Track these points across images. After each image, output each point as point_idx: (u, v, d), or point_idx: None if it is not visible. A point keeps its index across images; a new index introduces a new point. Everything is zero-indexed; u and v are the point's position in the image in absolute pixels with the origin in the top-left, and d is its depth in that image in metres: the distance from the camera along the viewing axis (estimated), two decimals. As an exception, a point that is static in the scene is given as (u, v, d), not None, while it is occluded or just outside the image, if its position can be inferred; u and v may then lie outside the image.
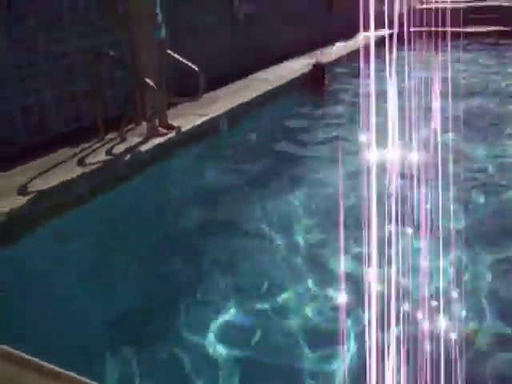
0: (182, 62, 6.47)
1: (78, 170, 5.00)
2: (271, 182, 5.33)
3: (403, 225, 3.64)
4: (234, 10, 9.60)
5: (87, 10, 6.49)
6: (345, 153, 5.74)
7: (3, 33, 5.50)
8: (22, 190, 4.60)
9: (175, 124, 6.15)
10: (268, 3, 10.88)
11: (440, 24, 8.44)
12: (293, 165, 5.79)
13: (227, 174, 5.62)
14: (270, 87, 8.04)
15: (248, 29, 10.21)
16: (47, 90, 6.08)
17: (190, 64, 6.49)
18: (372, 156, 4.37)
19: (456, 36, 10.83)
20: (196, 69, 6.34)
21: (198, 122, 6.36)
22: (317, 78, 8.41)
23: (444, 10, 9.49)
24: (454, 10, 12.13)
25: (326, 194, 4.87)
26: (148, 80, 5.53)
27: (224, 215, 4.72)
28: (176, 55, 6.53)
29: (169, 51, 6.44)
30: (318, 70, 8.41)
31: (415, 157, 5.04)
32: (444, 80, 5.71)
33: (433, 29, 9.22)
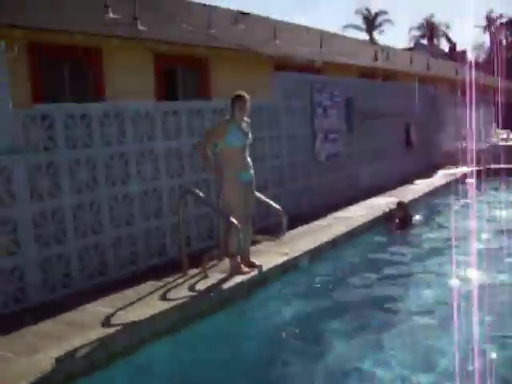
0: (265, 201, 6.68)
1: (160, 305, 5.07)
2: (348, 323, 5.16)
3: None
4: (316, 151, 9.98)
5: (181, 158, 6.96)
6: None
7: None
8: (106, 322, 4.72)
9: (257, 262, 6.20)
10: (349, 143, 11.27)
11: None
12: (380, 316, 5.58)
13: (305, 314, 5.51)
14: (351, 226, 8.05)
15: (329, 167, 10.53)
16: (139, 222, 6.39)
17: (273, 203, 6.69)
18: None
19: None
20: (280, 209, 6.50)
21: (280, 260, 6.39)
22: (400, 217, 8.44)
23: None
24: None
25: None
26: (232, 218, 5.70)
27: (303, 356, 4.57)
28: (259, 195, 6.77)
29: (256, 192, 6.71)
30: (401, 210, 8.46)
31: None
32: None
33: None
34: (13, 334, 4.59)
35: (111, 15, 11.57)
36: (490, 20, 55.28)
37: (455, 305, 5.11)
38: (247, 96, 5.98)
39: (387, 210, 8.69)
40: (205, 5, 17.54)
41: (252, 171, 6.14)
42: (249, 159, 6.08)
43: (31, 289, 5.33)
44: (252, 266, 6.11)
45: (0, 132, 5.16)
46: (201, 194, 5.96)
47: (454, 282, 6.07)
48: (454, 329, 4.67)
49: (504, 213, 9.53)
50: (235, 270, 5.93)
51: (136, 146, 6.43)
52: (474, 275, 6.19)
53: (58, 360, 4.02)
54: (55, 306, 5.20)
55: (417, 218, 8.92)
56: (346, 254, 7.48)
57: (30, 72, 9.23)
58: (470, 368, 3.98)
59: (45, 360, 4.02)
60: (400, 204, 8.56)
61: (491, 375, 3.77)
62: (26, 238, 5.30)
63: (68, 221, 5.68)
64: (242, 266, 6.05)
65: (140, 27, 11.44)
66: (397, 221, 8.52)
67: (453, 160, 15.67)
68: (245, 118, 6.08)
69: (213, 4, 15.09)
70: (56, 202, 5.59)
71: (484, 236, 7.89)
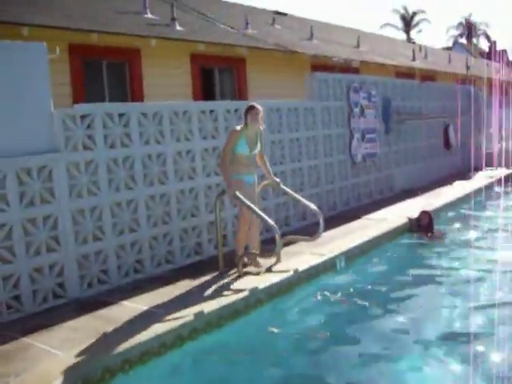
0: (301, 201, 6.67)
1: (195, 305, 5.10)
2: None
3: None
4: (353, 151, 9.90)
5: (218, 156, 7.00)
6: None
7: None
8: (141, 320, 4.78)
9: (293, 264, 6.19)
10: (387, 144, 11.15)
11: None
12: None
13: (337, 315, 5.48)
14: (384, 229, 7.95)
15: (366, 168, 10.44)
16: (175, 222, 6.45)
17: (310, 204, 6.66)
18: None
19: None
20: (316, 209, 6.47)
21: (315, 262, 6.35)
22: (425, 225, 8.26)
23: None
24: None
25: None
26: (267, 217, 5.71)
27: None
28: (296, 195, 6.75)
29: (290, 191, 6.70)
30: (425, 218, 8.31)
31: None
32: None
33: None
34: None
35: (150, 16, 11.70)
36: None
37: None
38: (259, 107, 6.11)
39: (412, 218, 8.52)
40: (242, 5, 17.60)
41: (255, 175, 6.31)
42: (253, 166, 6.26)
43: (69, 284, 5.42)
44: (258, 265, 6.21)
45: (41, 131, 5.27)
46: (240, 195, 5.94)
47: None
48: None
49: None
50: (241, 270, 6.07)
51: (173, 146, 6.48)
52: None
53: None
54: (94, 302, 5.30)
55: (442, 227, 8.66)
56: (376, 256, 7.38)
57: (70, 72, 9.40)
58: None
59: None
60: (425, 212, 8.42)
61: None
62: (66, 235, 5.39)
63: (106, 219, 5.77)
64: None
65: (178, 28, 11.54)
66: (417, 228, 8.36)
67: (492, 161, 15.34)
68: (260, 127, 6.21)
69: (250, 5, 15.11)
70: (94, 200, 5.68)
71: None
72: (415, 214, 8.52)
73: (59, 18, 9.55)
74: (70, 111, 5.56)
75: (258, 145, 6.25)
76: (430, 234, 8.17)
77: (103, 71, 10.09)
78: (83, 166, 5.58)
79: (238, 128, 6.13)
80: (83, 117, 5.62)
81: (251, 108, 6.10)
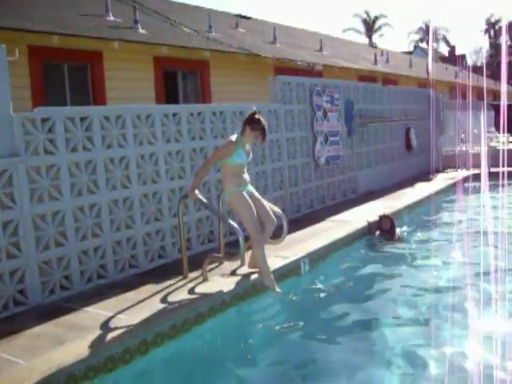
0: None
1: (159, 310, 5.08)
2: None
3: None
4: (316, 154, 9.98)
5: (182, 160, 6.98)
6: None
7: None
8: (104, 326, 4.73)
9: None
10: (349, 146, 11.28)
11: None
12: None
13: (301, 318, 5.52)
14: (347, 231, 8.04)
15: (329, 170, 10.55)
16: (139, 226, 6.40)
17: (273, 207, 6.69)
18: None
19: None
20: (280, 212, 6.50)
21: (279, 265, 6.38)
22: (387, 229, 8.33)
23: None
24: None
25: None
26: (231, 221, 5.71)
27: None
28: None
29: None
30: (387, 223, 8.38)
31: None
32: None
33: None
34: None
35: (112, 18, 11.60)
36: (490, 24, 55.37)
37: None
38: (265, 124, 5.83)
39: (372, 220, 8.58)
40: (205, 8, 17.59)
41: (250, 186, 6.07)
42: (247, 174, 6.04)
43: (31, 291, 5.33)
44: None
45: (0, 135, 5.17)
46: (202, 198, 5.93)
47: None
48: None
49: (503, 215, 9.52)
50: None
51: (136, 149, 6.43)
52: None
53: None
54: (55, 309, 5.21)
55: (404, 229, 8.78)
56: (339, 258, 7.45)
57: (30, 75, 9.25)
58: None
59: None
60: (387, 216, 8.49)
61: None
62: (27, 241, 5.30)
63: (68, 224, 5.69)
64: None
65: (141, 30, 11.47)
66: (378, 232, 8.43)
67: (453, 163, 15.69)
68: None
69: (213, 8, 15.13)
70: (56, 205, 5.60)
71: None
72: (375, 217, 8.60)
73: (18, 19, 9.38)
74: (30, 115, 5.47)
75: (251, 153, 6.07)
76: (391, 237, 8.27)
77: (64, 74, 9.96)
78: (44, 170, 5.50)
79: (234, 139, 5.84)
80: (44, 120, 5.53)
81: (257, 123, 5.73)
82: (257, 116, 5.79)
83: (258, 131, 5.76)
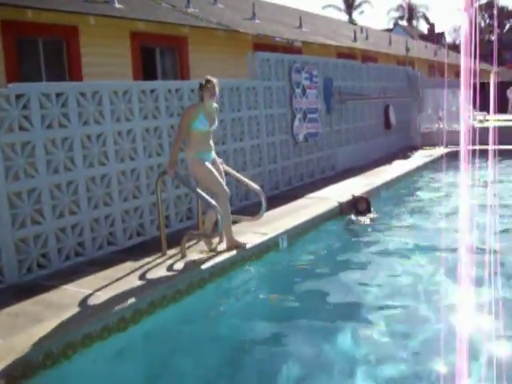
0: (244, 181, 6.70)
1: (138, 287, 5.08)
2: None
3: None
4: (294, 131, 9.98)
5: (160, 136, 6.93)
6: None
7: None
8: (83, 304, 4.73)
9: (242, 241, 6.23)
10: (328, 124, 11.30)
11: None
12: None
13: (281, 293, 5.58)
14: (326, 208, 8.09)
15: (308, 147, 10.56)
16: (117, 203, 6.37)
17: (252, 184, 6.70)
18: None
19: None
20: (259, 189, 6.51)
21: (257, 241, 6.41)
22: (363, 210, 8.31)
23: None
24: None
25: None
26: (208, 198, 5.71)
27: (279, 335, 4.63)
28: (238, 175, 6.78)
29: (232, 171, 6.71)
30: (363, 203, 8.36)
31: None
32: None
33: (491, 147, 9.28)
34: None
35: (87, -7, 11.36)
36: (469, 2, 55.32)
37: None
38: (216, 80, 5.95)
39: (344, 200, 8.54)
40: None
41: (213, 153, 6.13)
42: (211, 142, 6.07)
43: (7, 269, 5.29)
44: (237, 246, 6.12)
45: (-26, 111, 5.07)
46: (179, 174, 5.91)
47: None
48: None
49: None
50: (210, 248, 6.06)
51: (113, 126, 6.37)
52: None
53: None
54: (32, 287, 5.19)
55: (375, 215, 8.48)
56: (317, 235, 7.50)
57: (4, 50, 9.06)
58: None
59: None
60: (362, 198, 8.47)
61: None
62: (2, 219, 5.24)
63: (45, 201, 5.63)
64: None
65: (117, 5, 11.27)
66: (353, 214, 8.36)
67: (431, 141, 15.81)
68: (214, 104, 6.07)
69: (191, -18, 14.88)
70: (32, 182, 5.53)
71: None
72: (349, 196, 8.57)
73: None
74: (4, 91, 5.36)
75: (216, 121, 6.10)
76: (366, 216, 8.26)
77: (39, 49, 9.76)
78: (19, 147, 5.41)
79: (194, 103, 5.99)
80: (18, 96, 5.43)
81: (207, 82, 5.89)
82: (207, 77, 5.95)
83: (210, 84, 5.88)
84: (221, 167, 6.23)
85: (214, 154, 6.15)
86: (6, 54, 9.07)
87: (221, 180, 5.96)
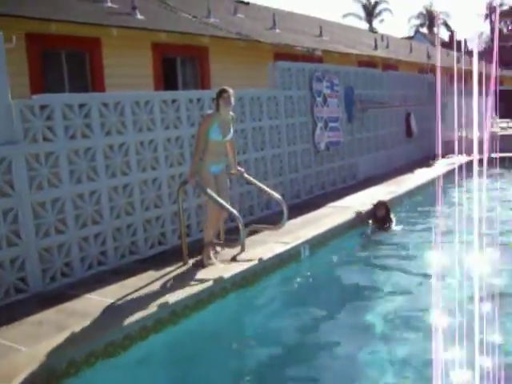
0: (266, 190, 6.69)
1: (160, 296, 5.10)
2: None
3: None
4: (316, 140, 9.97)
5: (181, 146, 6.97)
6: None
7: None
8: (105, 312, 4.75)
9: (258, 253, 6.21)
10: (349, 132, 11.26)
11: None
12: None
13: (302, 305, 5.54)
14: (348, 217, 8.04)
15: (329, 156, 10.53)
16: (139, 213, 6.41)
17: (273, 193, 6.70)
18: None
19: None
20: (280, 198, 6.50)
21: (279, 250, 6.39)
22: (381, 217, 8.14)
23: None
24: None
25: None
26: (230, 207, 5.72)
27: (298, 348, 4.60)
28: (259, 183, 6.77)
29: (254, 180, 6.71)
30: (382, 209, 8.17)
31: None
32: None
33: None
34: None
35: (110, 4, 11.52)
36: (491, 8, 55.00)
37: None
38: (231, 91, 6.00)
39: (360, 211, 8.26)
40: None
41: (224, 164, 6.19)
42: (224, 153, 6.17)
43: (31, 278, 5.34)
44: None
45: (-1, 122, 5.15)
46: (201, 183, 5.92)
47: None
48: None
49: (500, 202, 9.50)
50: (207, 260, 6.01)
51: (135, 136, 6.42)
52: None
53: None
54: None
55: (398, 227, 8.25)
56: (339, 244, 7.42)
57: (28, 62, 9.20)
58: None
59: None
60: (382, 203, 8.31)
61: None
62: (27, 228, 5.30)
63: (68, 211, 5.69)
64: (212, 256, 6.14)
65: (139, 16, 11.40)
66: (370, 221, 8.18)
67: (453, 149, 15.64)
68: (230, 113, 6.13)
69: (212, -7, 14.99)
70: (56, 192, 5.60)
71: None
72: (369, 206, 8.40)
73: (14, 5, 9.31)
74: (29, 102, 5.44)
75: (231, 131, 6.16)
76: (386, 225, 8.11)
77: (62, 61, 9.89)
78: (43, 157, 5.49)
79: (209, 112, 6.05)
80: (42, 107, 5.51)
81: (223, 91, 5.96)
82: (223, 87, 6.03)
83: (225, 94, 5.93)
84: (226, 181, 6.26)
85: (223, 167, 6.19)
86: (31, 65, 9.21)
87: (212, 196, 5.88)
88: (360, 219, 8.20)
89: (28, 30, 9.07)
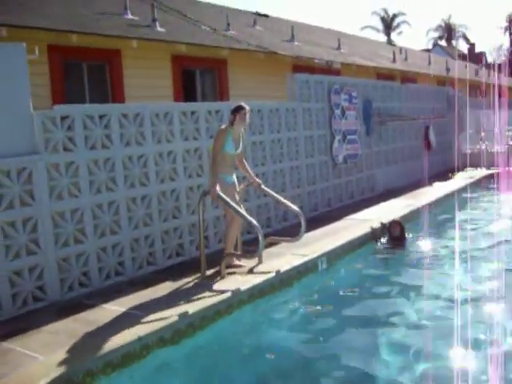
0: (283, 202, 6.68)
1: (177, 306, 5.09)
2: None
3: None
4: (334, 152, 9.95)
5: (200, 157, 6.99)
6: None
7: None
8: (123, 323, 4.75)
9: (275, 265, 6.19)
10: (367, 145, 11.22)
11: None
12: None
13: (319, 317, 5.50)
14: (366, 230, 7.98)
15: (347, 169, 10.50)
16: (157, 223, 6.43)
17: (291, 205, 6.68)
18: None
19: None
20: (298, 210, 6.48)
21: (296, 263, 6.36)
22: (396, 235, 8.02)
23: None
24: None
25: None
26: (250, 217, 5.72)
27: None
28: (277, 196, 6.76)
29: (271, 192, 6.70)
30: (396, 228, 8.03)
31: None
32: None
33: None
34: (32, 332, 4.63)
35: (130, 16, 11.64)
36: (511, 21, 54.64)
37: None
38: (247, 107, 6.14)
39: (375, 228, 8.08)
40: (223, 6, 17.60)
41: (234, 176, 6.29)
42: (235, 165, 6.30)
43: (49, 287, 5.37)
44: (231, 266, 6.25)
45: (20, 133, 5.22)
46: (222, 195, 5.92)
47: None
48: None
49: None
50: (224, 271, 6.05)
51: (154, 147, 6.46)
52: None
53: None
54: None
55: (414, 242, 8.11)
56: (355, 257, 7.36)
57: (50, 74, 9.31)
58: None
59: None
60: (396, 222, 8.19)
61: None
62: (46, 238, 5.34)
63: (87, 221, 5.73)
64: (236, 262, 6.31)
65: (159, 29, 11.50)
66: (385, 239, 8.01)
67: (472, 162, 15.52)
68: (241, 129, 6.26)
69: (231, 6, 15.11)
70: (75, 202, 5.64)
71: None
72: (385, 220, 8.24)
73: (37, 18, 9.45)
74: (50, 113, 5.51)
75: (241, 145, 6.27)
76: (401, 242, 7.93)
77: (83, 72, 10.01)
78: (64, 167, 5.54)
79: (224, 127, 6.16)
80: (63, 118, 5.57)
81: (241, 108, 6.11)
82: (241, 104, 6.19)
83: (243, 111, 6.09)
84: (237, 194, 6.33)
85: (235, 178, 6.31)
86: (52, 76, 9.33)
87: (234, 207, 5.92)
88: (374, 237, 8.01)
89: (50, 41, 9.19)
